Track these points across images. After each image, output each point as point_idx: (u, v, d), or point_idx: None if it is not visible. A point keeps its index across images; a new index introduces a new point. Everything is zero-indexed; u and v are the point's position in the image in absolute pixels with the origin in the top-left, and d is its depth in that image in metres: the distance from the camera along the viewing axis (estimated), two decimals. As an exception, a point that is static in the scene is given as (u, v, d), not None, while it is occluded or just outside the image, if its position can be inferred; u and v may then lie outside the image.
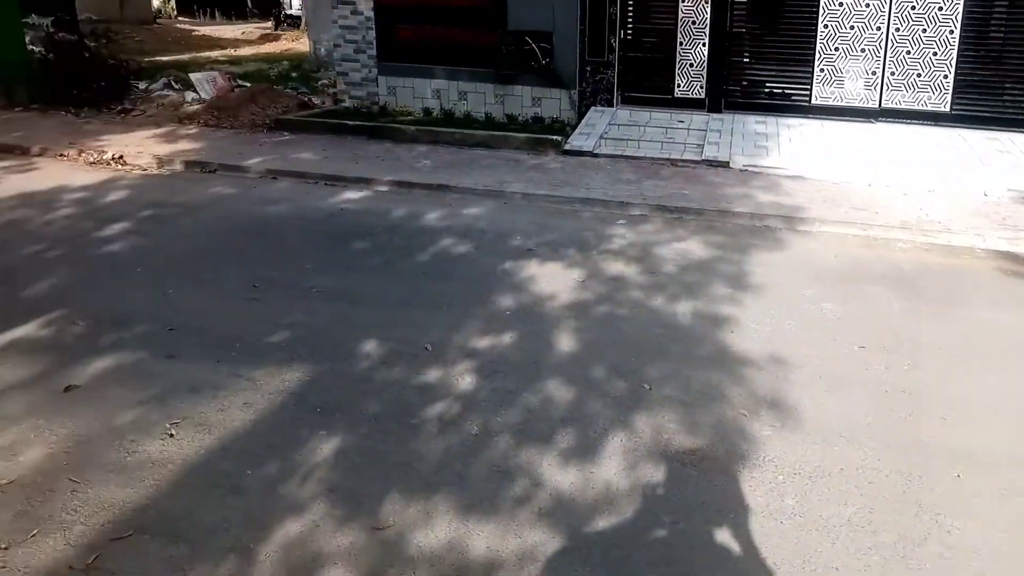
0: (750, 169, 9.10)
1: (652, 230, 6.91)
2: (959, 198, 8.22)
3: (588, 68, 10.87)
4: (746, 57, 10.86)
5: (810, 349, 4.65)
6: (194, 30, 26.14)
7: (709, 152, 9.45)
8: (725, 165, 9.19)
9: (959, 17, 9.91)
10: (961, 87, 10.11)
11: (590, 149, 9.65)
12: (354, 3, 11.62)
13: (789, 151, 9.36)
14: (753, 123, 10.33)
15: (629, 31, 10.99)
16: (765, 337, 4.79)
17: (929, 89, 10.19)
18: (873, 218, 7.37)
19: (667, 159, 9.43)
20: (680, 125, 10.40)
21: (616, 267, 5.89)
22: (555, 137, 9.78)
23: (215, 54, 20.94)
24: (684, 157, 9.45)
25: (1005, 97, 10.13)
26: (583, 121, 10.58)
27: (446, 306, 5.07)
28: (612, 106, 10.92)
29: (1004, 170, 8.80)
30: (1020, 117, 10.06)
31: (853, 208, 7.69)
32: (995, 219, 7.49)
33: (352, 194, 7.61)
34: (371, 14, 11.57)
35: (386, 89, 11.66)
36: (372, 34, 11.61)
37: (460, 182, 8.03)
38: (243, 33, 26.21)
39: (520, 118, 11.22)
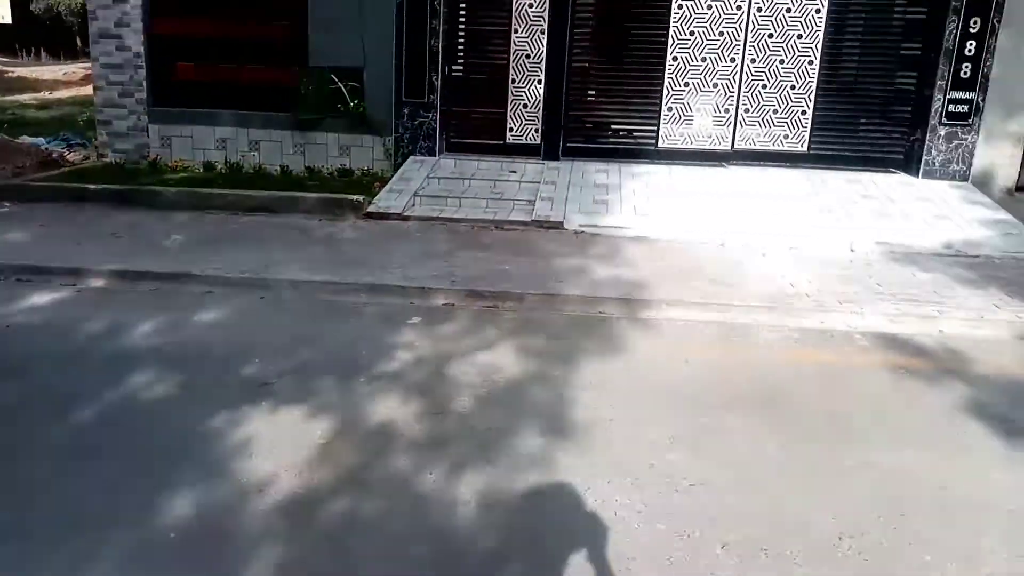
0: (587, 231, 7.52)
1: (454, 333, 5.13)
2: (825, 257, 6.89)
3: (406, 111, 9.11)
4: (589, 95, 9.38)
5: (658, 568, 2.95)
6: (8, 71, 22.96)
7: (541, 210, 7.83)
8: (559, 226, 7.58)
9: (819, 46, 8.76)
10: (820, 124, 8.96)
11: (400, 210, 7.84)
12: (120, 36, 9.43)
13: (633, 205, 7.87)
14: (594, 172, 8.82)
15: (455, 67, 9.32)
16: (589, 544, 3.07)
17: (786, 127, 8.99)
18: (731, 293, 5.88)
19: (492, 220, 7.73)
20: (512, 176, 8.77)
21: (385, 409, 4.06)
22: (355, 197, 7.91)
23: (24, 97, 18.27)
24: (512, 218, 7.78)
25: (860, 133, 9.05)
26: (397, 174, 8.77)
27: (68, 526, 3.07)
28: (434, 154, 9.19)
29: (869, 219, 7.59)
30: (878, 155, 8.99)
31: (706, 279, 6.19)
32: (868, 285, 6.16)
33: (43, 296, 5.45)
34: (141, 49, 9.41)
35: (159, 140, 9.49)
36: (142, 73, 9.44)
37: (210, 267, 6.03)
38: (65, 74, 23.36)
39: (324, 171, 9.31)
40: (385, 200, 8.03)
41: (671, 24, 8.82)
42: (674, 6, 8.77)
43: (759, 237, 7.35)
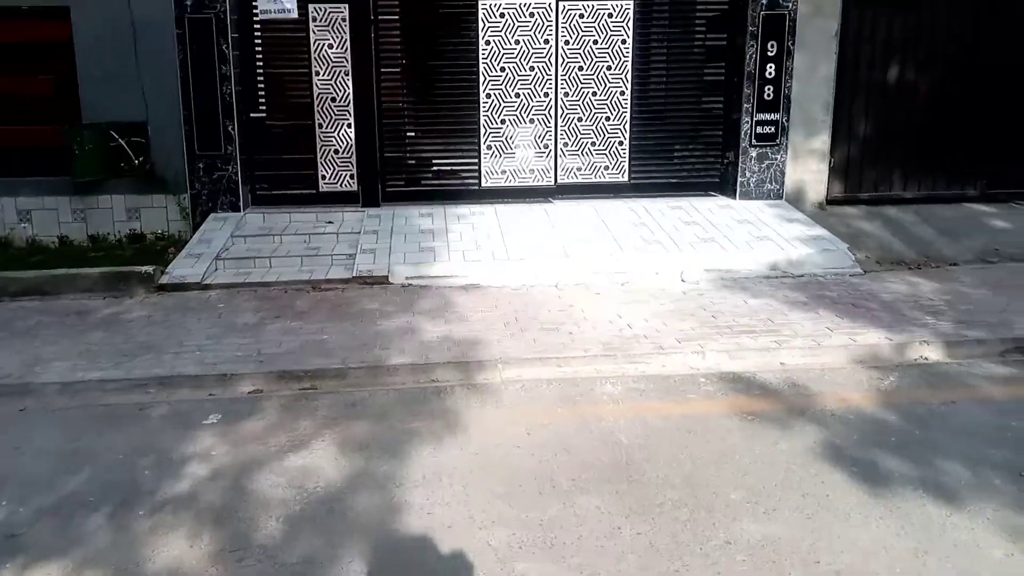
0: (415, 282, 6.94)
1: (261, 430, 4.36)
2: (658, 289, 6.68)
3: (201, 164, 8.17)
4: (405, 137, 8.83)
5: None
6: None
7: (363, 264, 7.16)
8: (384, 281, 6.94)
9: (629, 76, 8.67)
10: (637, 153, 8.87)
11: (199, 278, 6.92)
12: None
13: (462, 251, 7.37)
14: (417, 217, 8.26)
15: (255, 115, 8.49)
16: None
17: (606, 158, 8.83)
18: (569, 342, 5.47)
19: (307, 281, 6.97)
20: (328, 228, 8.04)
21: (170, 552, 3.26)
22: (145, 268, 6.91)
23: None
24: (330, 276, 7.06)
25: (676, 159, 9.06)
26: (196, 235, 7.82)
27: None
28: (239, 210, 8.30)
29: (695, 243, 7.49)
30: (696, 180, 9.02)
31: (543, 329, 5.77)
32: (704, 318, 5.97)
33: None
34: None
35: (-100, 217, 8.03)
36: None
37: (-42, 376, 4.93)
38: None
39: (112, 238, 8.19)
40: (181, 268, 7.07)
41: (480, 61, 8.45)
42: (481, 43, 8.42)
43: (591, 275, 7.05)
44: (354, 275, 6.97)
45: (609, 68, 8.60)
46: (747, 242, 7.59)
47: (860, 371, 5.09)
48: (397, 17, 8.57)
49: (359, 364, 5.14)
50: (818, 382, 4.88)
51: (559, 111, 8.65)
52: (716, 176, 9.00)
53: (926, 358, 5.32)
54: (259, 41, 8.40)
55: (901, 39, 8.82)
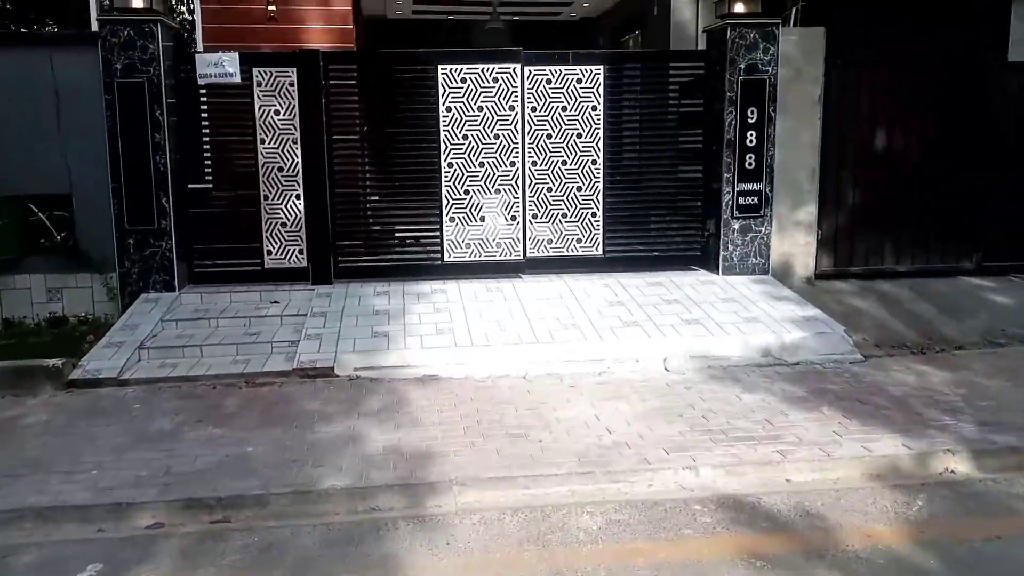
0: (365, 374, 6.07)
1: (149, 587, 3.45)
2: (639, 381, 5.88)
3: (132, 240, 7.31)
4: (360, 209, 8.06)
5: None
6: None
7: (307, 352, 6.29)
8: (329, 373, 6.08)
9: (601, 144, 8.03)
10: (612, 225, 8.17)
11: (116, 372, 6.01)
12: None
13: (420, 334, 6.53)
14: (372, 296, 7.43)
15: (194, 186, 7.70)
16: None
17: (578, 230, 8.11)
18: (539, 454, 4.62)
19: (241, 374, 6.08)
20: (272, 310, 7.19)
21: None
22: (53, 362, 5.97)
23: None
24: (268, 368, 6.18)
25: (654, 232, 8.37)
26: (122, 320, 6.91)
27: None
28: (173, 289, 7.42)
29: (678, 325, 6.73)
30: (676, 253, 8.32)
31: (509, 435, 4.91)
32: (694, 419, 5.16)
33: None
34: None
35: None
36: None
37: None
38: None
39: (29, 322, 7.26)
40: (97, 359, 6.16)
41: (440, 129, 7.76)
42: (441, 109, 7.74)
43: (565, 363, 6.24)
44: (295, 366, 6.10)
45: (580, 136, 7.95)
46: (735, 324, 6.84)
47: (881, 492, 4.28)
48: (350, 82, 7.89)
49: (284, 489, 4.24)
50: (834, 508, 4.06)
51: (527, 180, 7.95)
52: (697, 249, 8.30)
53: (953, 472, 4.54)
54: (202, 107, 7.65)
55: (888, 102, 8.29)
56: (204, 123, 7.72)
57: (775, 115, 7.92)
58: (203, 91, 7.58)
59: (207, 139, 7.73)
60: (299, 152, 7.65)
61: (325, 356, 6.22)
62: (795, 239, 8.19)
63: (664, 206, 8.37)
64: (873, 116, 8.31)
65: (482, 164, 7.84)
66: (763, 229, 8.03)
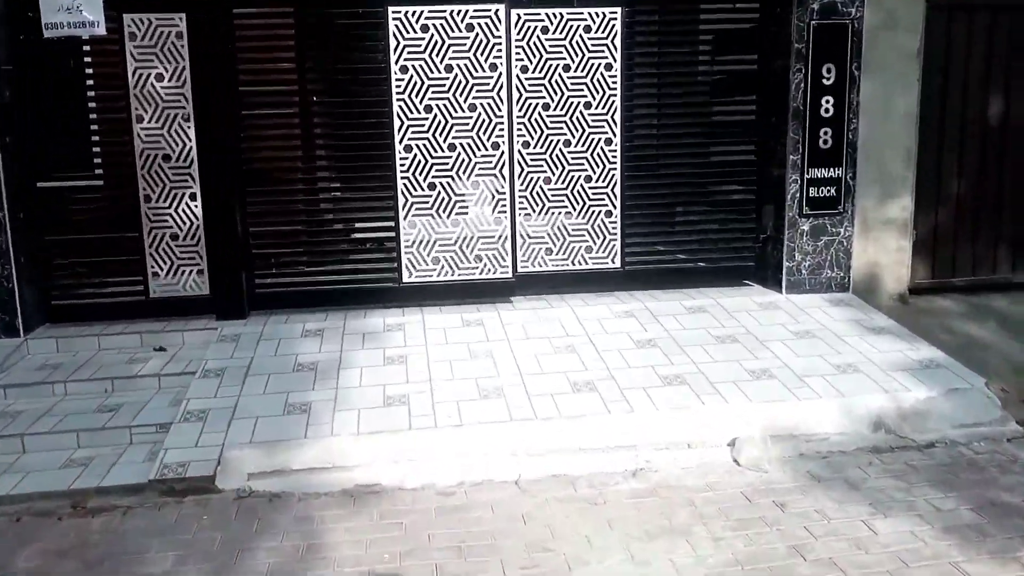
0: (262, 487, 3.78)
1: None
2: (699, 486, 3.61)
3: (-46, 264, 4.99)
4: (284, 211, 5.74)
5: None
6: None
7: (179, 445, 3.98)
8: (206, 486, 3.77)
9: (618, 117, 5.72)
10: (634, 226, 5.90)
11: None
12: None
13: (359, 406, 4.24)
14: (299, 337, 5.12)
15: (46, 182, 5.37)
16: None
17: (588, 236, 5.81)
18: None
19: (67, 492, 3.77)
20: (151, 363, 4.89)
21: None
22: None
23: None
24: (110, 481, 3.85)
25: (693, 235, 6.07)
26: (-84, 391, 4.61)
27: None
28: (16, 333, 5.12)
29: (743, 382, 4.47)
30: (723, 264, 6.06)
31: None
32: (791, 569, 2.91)
33: None
34: None
35: None
36: None
37: None
38: None
39: None
40: None
41: (393, 97, 5.42)
42: (394, 70, 5.40)
43: (578, 455, 3.99)
44: (155, 476, 3.80)
45: (588, 106, 5.63)
46: (824, 377, 4.58)
47: None
48: (268, 32, 5.52)
49: None
50: None
51: (517, 168, 5.63)
52: (749, 258, 6.01)
53: None
54: (58, 73, 5.31)
55: (1011, 58, 5.98)
56: (63, 96, 5.38)
57: (859, 75, 5.62)
58: (56, 50, 5.23)
59: (59, 121, 5.38)
60: (193, 133, 5.30)
61: (205, 454, 3.92)
62: (884, 243, 5.90)
63: (704, 200, 6.08)
64: (988, 77, 6.00)
65: (453, 147, 5.51)
66: (842, 230, 5.75)
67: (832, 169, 5.68)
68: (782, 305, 5.60)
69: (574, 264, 5.83)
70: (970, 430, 4.25)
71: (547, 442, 4.03)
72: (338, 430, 4.05)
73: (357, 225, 5.76)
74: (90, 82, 5.38)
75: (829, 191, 5.70)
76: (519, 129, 5.59)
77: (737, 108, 6.00)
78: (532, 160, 5.65)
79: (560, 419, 4.15)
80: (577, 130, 5.65)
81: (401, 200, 5.53)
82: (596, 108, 5.64)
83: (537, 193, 5.70)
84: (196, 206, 5.37)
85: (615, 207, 5.78)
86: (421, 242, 5.58)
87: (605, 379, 4.54)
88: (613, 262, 5.85)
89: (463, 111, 5.47)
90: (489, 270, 5.67)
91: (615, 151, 5.72)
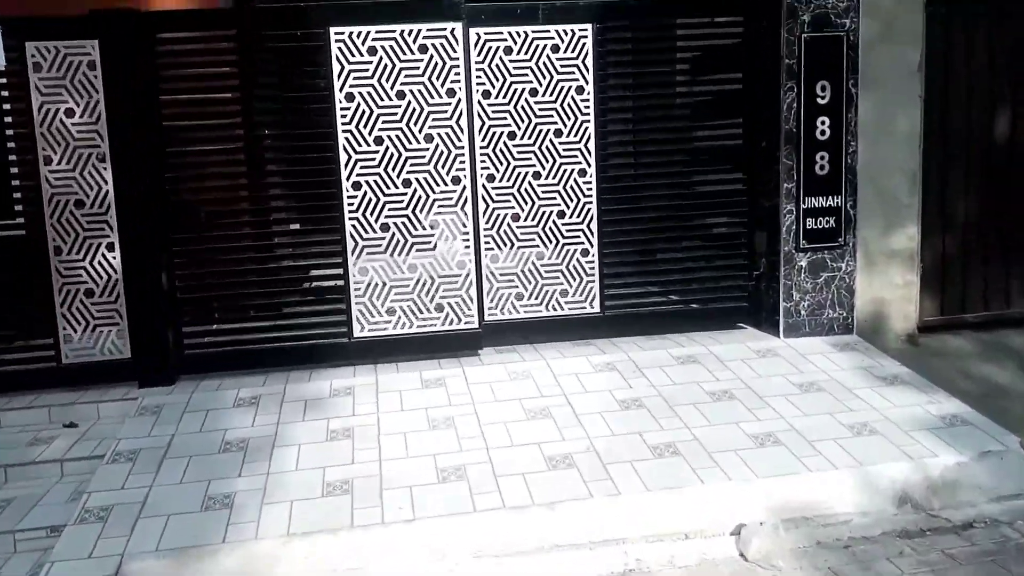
0: (167, 616, 3.07)
1: None
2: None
3: None
4: (216, 260, 5.03)
5: None
6: None
7: (68, 555, 3.26)
8: (96, 615, 3.06)
9: (592, 146, 5.10)
10: (612, 266, 5.26)
11: None
12: None
13: (291, 498, 3.53)
14: (231, 408, 4.41)
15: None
16: None
17: (563, 278, 5.17)
18: None
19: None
20: (57, 443, 4.16)
21: None
22: None
23: None
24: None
25: (677, 274, 5.44)
26: None
27: None
28: (-99, 412, 4.37)
29: (744, 450, 3.82)
30: (713, 306, 5.44)
31: None
32: None
33: None
34: None
35: None
36: None
37: None
38: None
39: None
40: None
41: (339, 128, 4.77)
42: (339, 97, 4.76)
43: (554, 552, 3.30)
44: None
45: (559, 133, 5.01)
46: (837, 441, 3.94)
47: None
48: (195, 59, 4.86)
49: None
50: None
51: (481, 206, 4.99)
52: (742, 298, 5.39)
53: None
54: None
55: (1018, 66, 5.44)
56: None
57: (857, 92, 5.05)
58: (-50, 83, 4.54)
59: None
60: (109, 175, 4.62)
61: (98, 568, 3.20)
62: (889, 277, 5.30)
63: (690, 235, 5.46)
64: (994, 89, 5.45)
65: (408, 182, 4.86)
66: (843, 265, 5.15)
67: (830, 197, 5.09)
68: (781, 352, 4.97)
69: (548, 309, 5.18)
70: (1011, 504, 3.62)
71: (520, 535, 3.35)
72: (264, 531, 3.34)
73: (300, 274, 5.08)
74: (8, 119, 4.69)
75: (828, 221, 5.10)
76: (482, 161, 4.96)
77: (723, 132, 5.40)
78: (498, 195, 5.01)
79: (533, 507, 3.47)
80: (547, 160, 5.03)
81: (350, 243, 4.86)
82: (568, 136, 5.03)
83: (505, 231, 5.05)
84: (114, 257, 4.67)
85: (592, 244, 5.15)
86: (374, 290, 4.91)
87: (585, 451, 3.87)
88: (592, 306, 5.21)
89: (418, 142, 4.82)
90: (452, 320, 5.00)
91: (590, 183, 5.11)
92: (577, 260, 5.14)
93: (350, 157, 4.79)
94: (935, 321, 5.50)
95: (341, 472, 3.74)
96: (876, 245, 5.24)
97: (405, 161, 4.82)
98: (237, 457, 3.90)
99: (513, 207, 5.04)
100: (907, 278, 5.32)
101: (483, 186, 4.98)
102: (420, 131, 4.81)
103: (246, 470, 3.78)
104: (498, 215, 5.02)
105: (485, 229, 5.02)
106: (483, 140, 4.93)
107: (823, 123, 5.03)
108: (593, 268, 5.17)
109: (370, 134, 4.78)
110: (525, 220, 5.06)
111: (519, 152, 4.97)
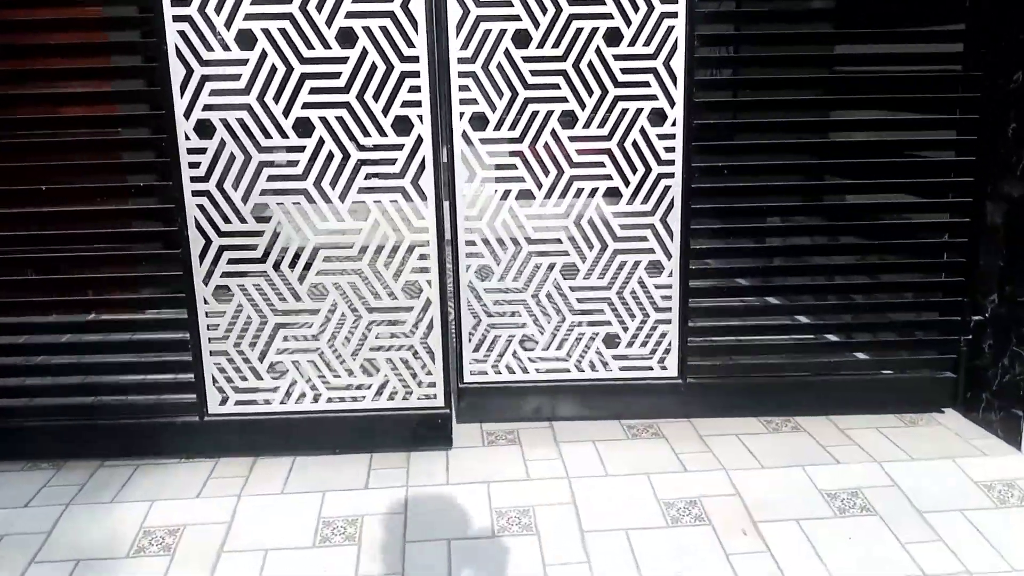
0: None
1: None
2: None
3: None
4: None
5: None
6: None
7: None
8: None
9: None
10: (700, 297, 2.72)
11: None
12: None
13: None
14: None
15: None
16: None
17: (610, 313, 2.66)
18: None
19: None
20: None
21: None
22: None
23: None
24: None
25: (812, 318, 2.88)
26: None
27: None
28: None
29: None
30: (869, 373, 2.84)
31: None
32: None
33: None
34: None
35: None
36: None
37: None
38: None
39: None
40: None
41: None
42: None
43: None
44: None
45: (616, 37, 2.46)
46: None
47: None
48: None
49: None
50: None
51: (460, 172, 2.51)
52: (943, 363, 2.83)
53: None
54: None
55: None
56: None
57: None
58: None
59: None
60: None
61: None
62: None
63: (868, 242, 2.89)
64: None
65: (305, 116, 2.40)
66: None
67: None
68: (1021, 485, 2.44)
69: (581, 369, 2.74)
70: None
71: None
72: None
73: (104, 316, 2.73)
74: None
75: None
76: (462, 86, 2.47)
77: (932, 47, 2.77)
78: (492, 153, 2.53)
79: None
80: (588, 91, 2.51)
81: (196, 245, 2.46)
82: (629, 44, 2.49)
83: (504, 223, 2.60)
84: None
85: (669, 255, 2.66)
86: (245, 333, 2.53)
87: None
88: (666, 369, 2.75)
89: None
90: (395, 390, 2.60)
91: (672, 136, 2.58)
92: (640, 282, 2.66)
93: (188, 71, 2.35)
94: None
95: None
96: None
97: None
98: None
99: (521, 177, 2.56)
100: None
101: (463, 134, 2.51)
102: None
103: None
104: (495, 192, 2.56)
105: (467, 220, 2.57)
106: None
107: None
108: (672, 302, 2.68)
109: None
110: (543, 201, 2.59)
111: (532, 74, 2.47)
